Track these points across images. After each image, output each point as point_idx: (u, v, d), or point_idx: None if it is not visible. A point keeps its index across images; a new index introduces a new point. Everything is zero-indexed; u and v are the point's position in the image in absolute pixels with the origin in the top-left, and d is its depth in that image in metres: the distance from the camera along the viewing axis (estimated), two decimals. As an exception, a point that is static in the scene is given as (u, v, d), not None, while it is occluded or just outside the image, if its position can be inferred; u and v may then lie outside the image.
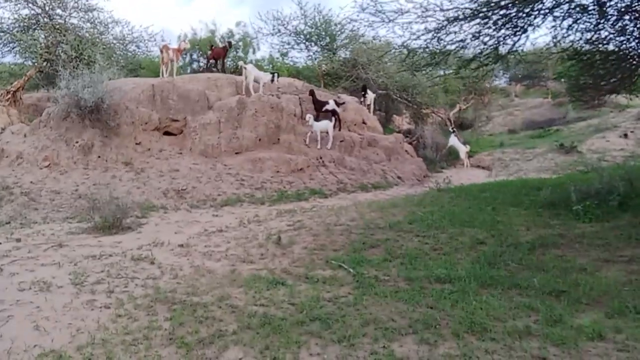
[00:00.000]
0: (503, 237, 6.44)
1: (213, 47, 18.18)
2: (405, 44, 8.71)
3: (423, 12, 7.99)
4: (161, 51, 13.60)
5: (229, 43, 17.76)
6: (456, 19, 7.96)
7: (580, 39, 8.95)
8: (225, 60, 18.66)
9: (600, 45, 9.11)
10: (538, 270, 5.16)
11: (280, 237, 6.72)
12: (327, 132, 13.67)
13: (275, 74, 14.78)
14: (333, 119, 14.08)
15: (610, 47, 9.15)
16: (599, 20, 8.35)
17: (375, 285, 5.01)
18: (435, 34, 8.33)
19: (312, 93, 14.87)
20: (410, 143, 20.19)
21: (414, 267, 5.50)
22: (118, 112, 11.24)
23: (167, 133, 12.22)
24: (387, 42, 14.42)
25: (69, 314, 4.46)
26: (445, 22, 8.01)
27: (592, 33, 8.69)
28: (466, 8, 7.73)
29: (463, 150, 20.24)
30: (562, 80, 19.32)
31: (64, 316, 4.41)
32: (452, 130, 22.55)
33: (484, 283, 4.86)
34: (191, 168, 11.11)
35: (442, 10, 7.84)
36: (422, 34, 8.43)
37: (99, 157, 10.67)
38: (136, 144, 11.36)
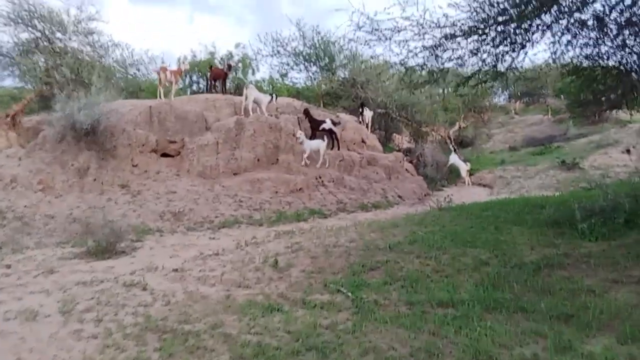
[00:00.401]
0: (507, 257, 6.24)
1: (212, 68, 18.19)
2: (402, 62, 8.61)
3: (419, 29, 7.91)
4: (158, 73, 13.58)
5: (229, 66, 17.75)
6: (453, 35, 7.87)
7: (580, 54, 8.86)
8: (226, 81, 18.65)
9: (600, 61, 9.01)
10: (544, 293, 4.96)
11: (277, 261, 6.53)
12: (319, 151, 13.49)
13: (274, 95, 14.72)
14: (325, 138, 13.93)
15: (611, 62, 9.05)
16: (598, 35, 8.27)
17: (375, 310, 4.81)
18: (432, 52, 8.24)
19: (306, 112, 14.79)
20: (410, 161, 20.06)
21: (415, 291, 5.30)
22: (115, 134, 11.14)
23: (164, 155, 12.10)
24: (385, 61, 14.39)
25: (54, 345, 4.26)
26: (442, 39, 7.92)
27: (592, 48, 8.60)
28: (463, 24, 7.64)
29: (464, 168, 20.10)
30: (562, 96, 19.30)
31: (48, 347, 4.21)
32: (452, 148, 22.45)
33: (489, 307, 4.65)
34: (188, 190, 10.96)
35: (438, 27, 7.75)
36: (420, 52, 8.34)
37: (95, 179, 10.53)
38: (133, 166, 11.22)
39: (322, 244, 7.60)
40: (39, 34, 19.56)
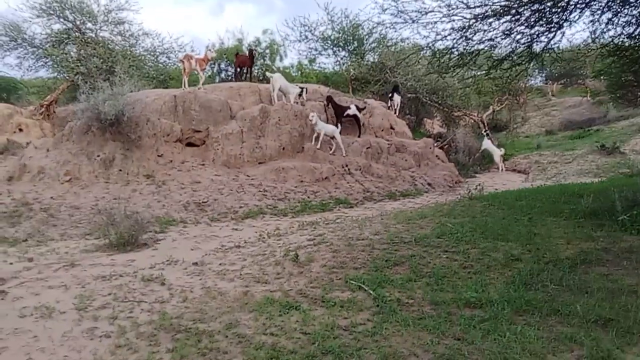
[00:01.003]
0: (541, 252, 5.87)
1: (238, 55, 18.00)
2: (430, 45, 8.22)
3: (448, 10, 7.50)
4: (182, 61, 13.48)
5: (250, 51, 17.50)
6: (485, 16, 7.45)
7: (621, 33, 8.29)
8: (253, 69, 18.43)
9: (643, 40, 8.43)
10: (581, 293, 4.60)
11: (298, 255, 6.32)
12: (335, 137, 13.16)
13: (304, 89, 14.36)
14: (339, 125, 13.51)
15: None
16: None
17: (397, 310, 4.55)
18: (462, 34, 7.82)
19: (329, 99, 14.47)
20: (441, 147, 19.55)
21: (441, 289, 5.01)
22: (139, 125, 11.11)
23: (189, 144, 12.04)
24: (414, 44, 13.91)
25: (67, 345, 4.17)
26: (473, 20, 7.50)
27: (635, 27, 8.02)
28: (495, 4, 7.20)
29: (497, 153, 19.47)
30: (602, 78, 18.37)
31: (61, 347, 4.13)
32: (485, 134, 21.76)
33: (519, 309, 4.33)
34: (213, 180, 10.87)
35: (468, 7, 7.33)
36: (449, 34, 7.94)
37: (120, 170, 10.55)
38: (158, 156, 11.20)
39: (345, 236, 7.36)
40: (70, 25, 19.86)
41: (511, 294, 4.65)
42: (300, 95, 13.99)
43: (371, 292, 5.04)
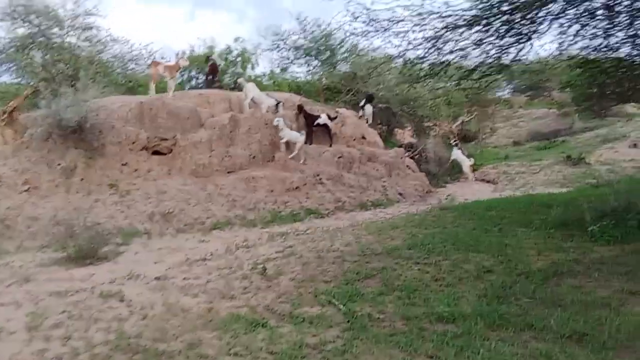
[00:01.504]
0: (512, 264, 5.81)
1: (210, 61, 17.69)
2: (401, 55, 8.16)
3: (419, 19, 7.44)
4: (149, 67, 13.12)
5: (207, 58, 17.20)
6: (455, 26, 7.41)
7: (589, 46, 8.39)
8: (216, 77, 18.11)
9: (609, 52, 8.54)
10: (554, 306, 4.53)
11: (266, 268, 6.10)
12: (295, 143, 12.86)
13: (280, 103, 14.05)
14: (303, 133, 13.24)
15: (621, 54, 8.58)
16: (608, 26, 7.79)
17: (368, 326, 4.39)
18: (433, 43, 7.77)
19: (300, 108, 14.29)
20: (412, 157, 19.58)
21: (413, 303, 4.88)
22: (103, 132, 10.69)
23: (156, 152, 11.64)
24: (385, 54, 13.89)
25: (13, 369, 3.86)
26: (444, 30, 7.46)
27: (602, 39, 8.13)
28: (466, 14, 7.18)
29: (467, 163, 19.59)
30: (568, 89, 18.73)
31: (6, 371, 3.82)
32: (454, 144, 21.94)
33: (493, 323, 4.22)
34: (180, 189, 10.52)
35: (440, 16, 7.29)
36: (420, 43, 7.88)
37: (82, 179, 10.09)
38: (122, 164, 10.78)
39: (315, 248, 7.18)
40: (35, 30, 19.16)
41: (484, 307, 4.55)
42: (276, 108, 13.65)
43: (341, 307, 4.86)
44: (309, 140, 13.60)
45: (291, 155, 12.68)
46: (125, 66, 21.92)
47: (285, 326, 4.53)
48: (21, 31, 19.08)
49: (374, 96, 18.84)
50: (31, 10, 18.69)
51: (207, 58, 18.08)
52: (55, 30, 19.60)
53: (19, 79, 20.03)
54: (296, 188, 11.71)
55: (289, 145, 12.77)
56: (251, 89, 13.43)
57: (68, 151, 10.30)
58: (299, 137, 12.80)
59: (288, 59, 24.58)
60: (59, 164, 10.13)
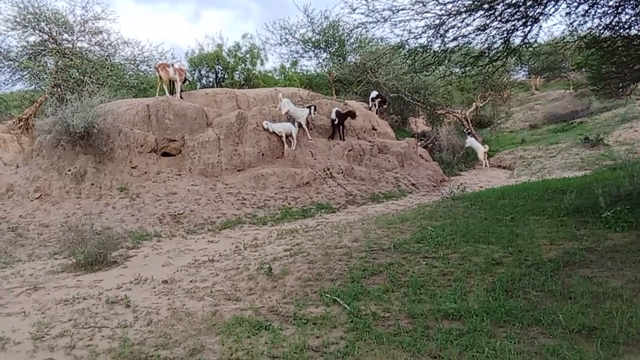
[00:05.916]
0: (523, 255, 5.65)
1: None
2: (403, 44, 7.99)
3: (420, 7, 7.27)
4: (157, 70, 13.12)
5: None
6: (457, 12, 7.22)
7: (599, 24, 8.12)
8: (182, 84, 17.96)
9: (621, 31, 8.25)
10: (564, 299, 4.37)
11: (272, 268, 6.04)
12: (291, 134, 12.87)
13: (312, 107, 13.83)
14: (295, 123, 13.15)
15: (633, 31, 8.28)
16: (618, 3, 7.52)
17: (372, 326, 4.29)
18: (435, 31, 7.59)
19: (353, 114, 14.40)
20: (425, 147, 19.37)
21: (419, 300, 4.76)
22: (111, 136, 10.76)
23: (164, 154, 11.70)
24: (388, 44, 13.71)
25: (16, 381, 3.87)
26: (445, 17, 7.27)
27: (612, 17, 7.85)
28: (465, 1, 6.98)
29: (481, 150, 19.33)
30: (583, 70, 18.28)
31: (9, 384, 3.83)
32: (466, 132, 21.65)
33: (500, 320, 4.09)
34: (189, 190, 10.55)
35: (440, 3, 7.10)
36: (422, 32, 7.71)
37: (92, 184, 10.18)
38: (132, 167, 10.85)
39: (323, 245, 7.09)
40: (46, 37, 19.38)
41: (491, 302, 4.41)
42: (310, 114, 13.61)
43: (346, 306, 4.78)
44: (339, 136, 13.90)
45: (292, 146, 12.69)
46: (137, 68, 22.08)
47: (289, 328, 4.46)
48: (33, 39, 19.31)
49: (381, 94, 18.87)
50: (41, 17, 18.89)
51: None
52: (66, 36, 19.81)
53: (33, 86, 20.32)
54: (306, 183, 11.65)
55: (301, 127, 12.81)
56: (286, 105, 13.22)
57: (77, 157, 10.39)
58: (292, 128, 12.80)
59: (297, 52, 24.53)
60: (69, 170, 10.23)
